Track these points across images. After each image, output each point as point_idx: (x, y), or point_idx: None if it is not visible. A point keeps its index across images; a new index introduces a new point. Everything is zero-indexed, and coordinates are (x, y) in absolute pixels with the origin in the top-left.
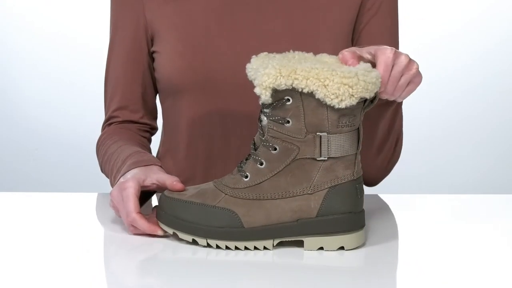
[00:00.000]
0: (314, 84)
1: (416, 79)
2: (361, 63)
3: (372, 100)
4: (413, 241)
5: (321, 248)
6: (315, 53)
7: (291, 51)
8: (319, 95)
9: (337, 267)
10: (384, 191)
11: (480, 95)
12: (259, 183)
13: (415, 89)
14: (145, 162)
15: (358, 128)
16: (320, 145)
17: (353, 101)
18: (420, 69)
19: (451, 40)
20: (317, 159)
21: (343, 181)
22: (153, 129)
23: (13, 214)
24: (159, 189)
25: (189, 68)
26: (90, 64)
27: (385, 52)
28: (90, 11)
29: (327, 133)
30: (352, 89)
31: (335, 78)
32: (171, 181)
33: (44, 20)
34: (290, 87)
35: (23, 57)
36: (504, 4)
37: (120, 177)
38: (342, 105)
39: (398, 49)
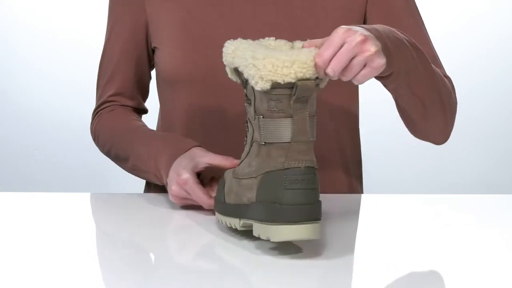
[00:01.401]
0: (241, 63)
1: (373, 63)
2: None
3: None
4: (412, 241)
5: (259, 236)
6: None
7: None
8: (245, 75)
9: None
10: (383, 191)
11: (480, 95)
12: (239, 164)
13: (373, 74)
14: (184, 148)
15: (293, 117)
16: (259, 128)
17: (265, 85)
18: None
19: (451, 40)
20: (260, 143)
21: (273, 169)
22: (145, 112)
23: (13, 214)
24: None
25: (188, 60)
26: (91, 64)
27: (336, 30)
28: (91, 11)
29: (263, 116)
30: (261, 71)
31: (249, 59)
32: (230, 161)
33: (45, 20)
34: (233, 66)
35: (24, 57)
36: (504, 4)
37: (168, 171)
38: (258, 87)
39: (419, 15)
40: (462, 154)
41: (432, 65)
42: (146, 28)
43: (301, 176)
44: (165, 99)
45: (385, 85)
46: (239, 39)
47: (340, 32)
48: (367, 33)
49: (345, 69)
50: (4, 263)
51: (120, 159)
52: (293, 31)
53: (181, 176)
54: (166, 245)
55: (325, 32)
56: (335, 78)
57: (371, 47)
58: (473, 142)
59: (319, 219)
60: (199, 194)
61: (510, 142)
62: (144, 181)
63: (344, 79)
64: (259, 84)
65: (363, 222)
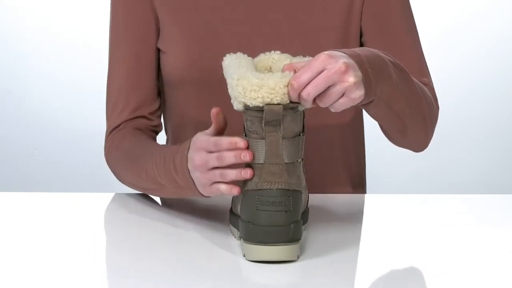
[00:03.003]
0: (227, 80)
1: (351, 94)
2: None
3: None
4: (412, 241)
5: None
6: (318, 45)
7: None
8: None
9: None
10: (383, 191)
11: (480, 95)
12: None
13: (351, 104)
14: (187, 141)
15: (265, 139)
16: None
17: (238, 105)
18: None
19: (451, 39)
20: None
21: (249, 189)
22: (160, 128)
23: (13, 214)
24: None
25: (193, 63)
26: (91, 64)
27: (318, 55)
28: (92, 11)
29: (245, 135)
30: (234, 92)
31: (228, 78)
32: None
33: (46, 20)
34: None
35: (24, 57)
36: (504, 3)
37: (184, 160)
38: (234, 107)
39: (412, 19)
40: (462, 154)
41: (415, 80)
42: (156, 28)
43: (273, 198)
44: (170, 105)
45: (366, 110)
46: (238, 54)
47: (322, 57)
48: (349, 61)
49: (322, 95)
50: (5, 263)
51: (136, 184)
52: (297, 29)
53: (198, 138)
54: (167, 245)
55: (326, 34)
56: (309, 104)
57: (350, 78)
58: (473, 142)
59: (295, 241)
60: (226, 140)
61: (510, 142)
62: None
63: (321, 105)
64: (234, 104)
65: (364, 222)
